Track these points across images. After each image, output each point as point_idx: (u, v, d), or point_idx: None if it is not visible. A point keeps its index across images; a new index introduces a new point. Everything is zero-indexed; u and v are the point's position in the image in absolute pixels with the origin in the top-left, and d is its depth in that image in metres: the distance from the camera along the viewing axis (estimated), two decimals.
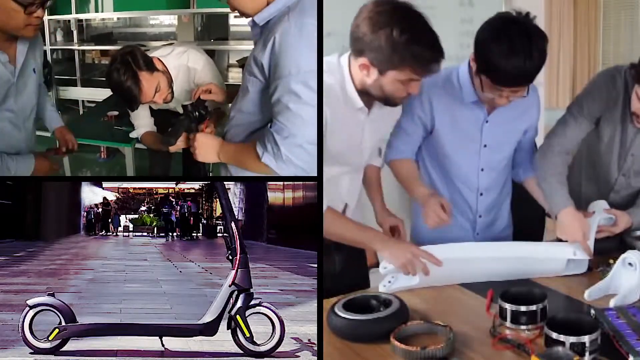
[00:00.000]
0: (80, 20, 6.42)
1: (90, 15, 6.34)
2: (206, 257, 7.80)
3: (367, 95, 1.88)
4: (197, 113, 2.27)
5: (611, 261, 1.93)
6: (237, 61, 5.61)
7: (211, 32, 6.16)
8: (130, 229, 15.05)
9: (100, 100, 4.56)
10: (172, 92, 2.63)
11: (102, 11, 6.22)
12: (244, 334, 2.17)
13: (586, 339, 1.45)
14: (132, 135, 2.93)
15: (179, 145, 2.33)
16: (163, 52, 2.69)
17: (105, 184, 15.33)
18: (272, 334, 2.21)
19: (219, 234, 13.11)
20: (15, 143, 2.23)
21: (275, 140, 1.80)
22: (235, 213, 2.36)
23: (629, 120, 2.18)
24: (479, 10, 3.98)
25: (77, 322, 2.19)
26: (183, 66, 2.69)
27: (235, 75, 5.50)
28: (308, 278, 4.97)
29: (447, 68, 2.17)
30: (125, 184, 16.52)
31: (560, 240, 2.11)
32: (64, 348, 2.19)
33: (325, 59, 1.82)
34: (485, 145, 2.20)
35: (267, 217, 11.13)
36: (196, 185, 15.03)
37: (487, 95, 2.01)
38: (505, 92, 1.95)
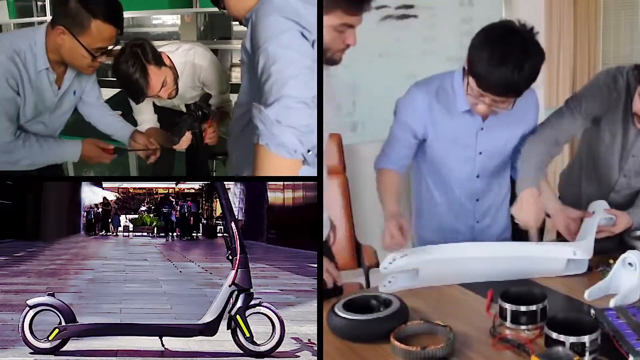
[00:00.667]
0: None
1: None
2: (206, 257, 7.80)
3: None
4: (200, 112, 2.28)
5: (611, 261, 1.92)
6: (239, 60, 5.61)
7: (214, 32, 6.16)
8: (130, 229, 15.07)
9: (103, 100, 4.55)
10: (177, 88, 2.63)
11: None
12: (244, 334, 2.17)
13: (586, 339, 1.45)
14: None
15: (182, 145, 2.33)
16: (170, 48, 2.71)
17: (105, 184, 15.35)
18: (272, 334, 2.21)
19: (219, 234, 13.12)
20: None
21: (260, 110, 1.54)
22: (235, 213, 2.36)
23: (630, 122, 2.18)
24: (479, 10, 3.99)
25: (77, 322, 2.19)
26: (189, 63, 2.70)
27: (238, 75, 5.49)
28: (308, 278, 4.97)
29: (442, 73, 2.16)
30: (125, 184, 16.54)
31: (514, 218, 2.11)
32: (64, 348, 2.18)
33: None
34: (480, 153, 2.18)
35: (267, 217, 11.14)
36: (196, 185, 15.05)
37: (471, 99, 1.99)
38: (488, 98, 1.93)
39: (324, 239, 2.00)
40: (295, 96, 1.51)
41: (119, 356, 2.22)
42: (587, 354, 1.44)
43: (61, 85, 2.29)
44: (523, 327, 1.63)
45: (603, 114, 2.22)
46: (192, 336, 2.22)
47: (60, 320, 2.17)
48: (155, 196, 16.90)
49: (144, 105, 2.73)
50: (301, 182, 8.51)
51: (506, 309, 1.64)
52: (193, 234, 12.76)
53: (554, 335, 1.47)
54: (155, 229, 14.76)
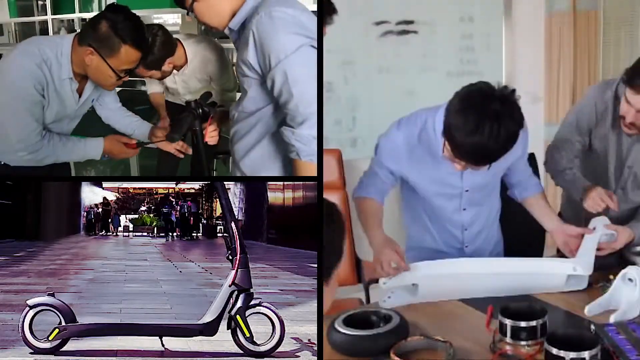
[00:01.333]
0: (84, 19, 6.40)
1: (94, 14, 6.33)
2: (206, 257, 7.80)
3: None
4: (200, 110, 2.27)
5: (611, 277, 1.92)
6: (239, 72, 5.60)
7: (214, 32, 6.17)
8: (130, 229, 15.07)
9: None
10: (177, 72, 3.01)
11: None
12: (244, 334, 2.17)
13: (586, 354, 1.43)
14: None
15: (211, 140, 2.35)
16: (183, 37, 2.99)
17: (105, 184, 15.36)
18: (272, 334, 2.21)
19: (219, 234, 13.12)
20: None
21: (293, 132, 1.78)
22: (235, 213, 2.36)
23: (622, 132, 2.18)
24: (479, 26, 3.98)
25: (77, 322, 2.19)
26: (200, 53, 2.97)
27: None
28: (308, 278, 4.97)
29: (427, 109, 2.06)
30: (125, 184, 16.55)
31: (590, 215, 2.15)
32: (64, 348, 2.18)
33: None
34: (467, 190, 2.13)
35: (267, 217, 11.14)
36: (196, 185, 15.05)
37: (446, 156, 1.92)
38: (462, 163, 1.87)
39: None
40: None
41: (119, 356, 2.22)
42: None
43: (82, 94, 2.35)
44: (523, 342, 1.61)
45: (593, 127, 2.25)
46: (192, 336, 2.22)
47: (60, 320, 2.17)
48: (155, 196, 16.92)
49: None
50: (301, 182, 8.51)
51: (506, 324, 1.63)
52: (193, 234, 12.76)
53: (554, 350, 1.45)
54: (155, 229, 14.76)
